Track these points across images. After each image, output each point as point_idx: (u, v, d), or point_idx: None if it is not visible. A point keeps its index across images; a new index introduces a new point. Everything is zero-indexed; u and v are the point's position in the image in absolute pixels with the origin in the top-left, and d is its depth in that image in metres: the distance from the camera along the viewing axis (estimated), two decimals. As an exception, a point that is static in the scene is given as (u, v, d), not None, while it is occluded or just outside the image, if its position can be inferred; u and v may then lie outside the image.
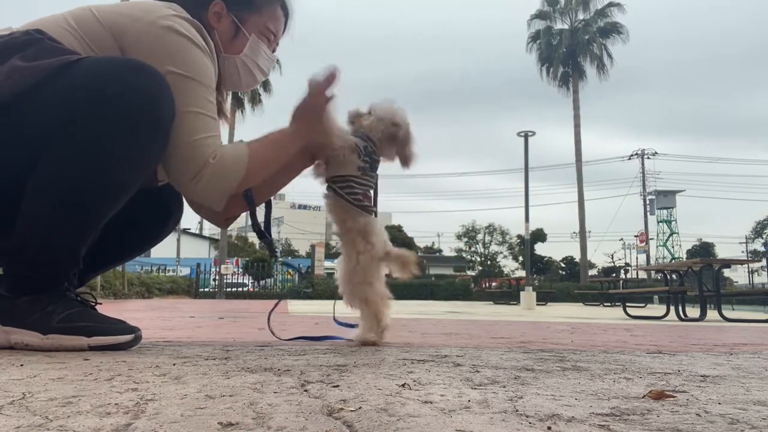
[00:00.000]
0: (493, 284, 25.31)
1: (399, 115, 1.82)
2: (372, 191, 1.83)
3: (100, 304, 1.62)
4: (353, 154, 1.75)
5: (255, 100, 32.81)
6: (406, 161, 1.86)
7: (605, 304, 15.37)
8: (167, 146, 1.50)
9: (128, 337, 1.45)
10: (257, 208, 1.81)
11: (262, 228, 1.82)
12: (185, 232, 41.51)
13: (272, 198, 1.89)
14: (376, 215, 1.84)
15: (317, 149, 1.77)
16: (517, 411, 0.77)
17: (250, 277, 25.19)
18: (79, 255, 1.46)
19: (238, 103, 31.73)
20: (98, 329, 1.42)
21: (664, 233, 45.12)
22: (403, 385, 0.96)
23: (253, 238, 47.41)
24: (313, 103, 1.62)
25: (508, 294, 17.51)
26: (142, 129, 1.42)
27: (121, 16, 1.54)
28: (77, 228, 1.44)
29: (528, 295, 12.66)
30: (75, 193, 1.40)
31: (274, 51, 1.88)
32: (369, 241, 1.76)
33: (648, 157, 43.11)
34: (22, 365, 1.14)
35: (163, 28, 1.50)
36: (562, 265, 44.13)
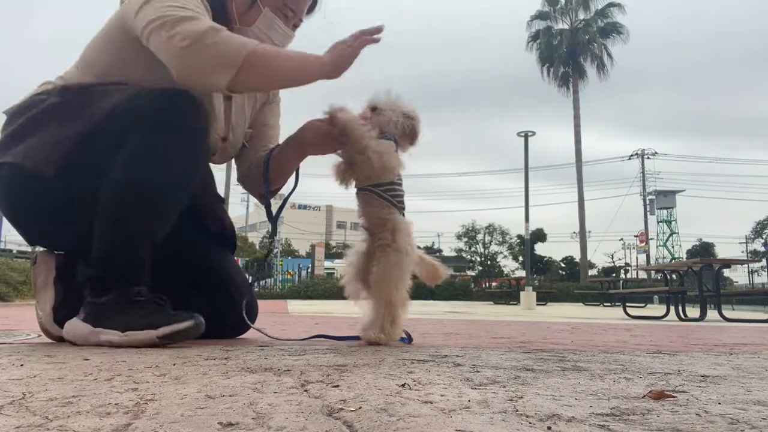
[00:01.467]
0: (493, 284, 25.31)
1: (408, 107, 1.80)
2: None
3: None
4: (395, 156, 1.72)
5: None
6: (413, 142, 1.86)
7: (605, 304, 15.38)
8: (204, 150, 1.67)
9: (189, 323, 1.51)
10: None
11: (275, 210, 1.97)
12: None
13: (294, 182, 2.01)
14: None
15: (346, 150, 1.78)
16: (517, 411, 0.77)
17: (251, 277, 25.16)
18: (145, 255, 1.58)
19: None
20: (164, 321, 1.51)
21: (664, 233, 45.13)
22: (403, 385, 0.96)
23: (253, 238, 47.42)
24: (353, 41, 1.61)
25: (508, 294, 17.52)
26: (178, 142, 1.57)
27: (124, 4, 1.67)
28: (137, 229, 1.57)
29: (528, 295, 12.68)
30: (129, 199, 1.56)
31: (296, 27, 1.91)
32: (412, 243, 1.76)
33: (648, 157, 43.11)
34: (22, 365, 1.14)
35: None
36: (562, 265, 44.12)
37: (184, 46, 1.50)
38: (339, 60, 1.61)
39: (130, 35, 1.63)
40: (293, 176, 2.01)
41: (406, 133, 1.78)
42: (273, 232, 2.04)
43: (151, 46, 1.57)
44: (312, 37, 1.93)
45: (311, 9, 1.93)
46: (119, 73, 1.65)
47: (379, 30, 1.63)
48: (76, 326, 1.58)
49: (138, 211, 1.58)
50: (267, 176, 1.91)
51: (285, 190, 2.07)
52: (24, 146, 1.59)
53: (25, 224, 1.76)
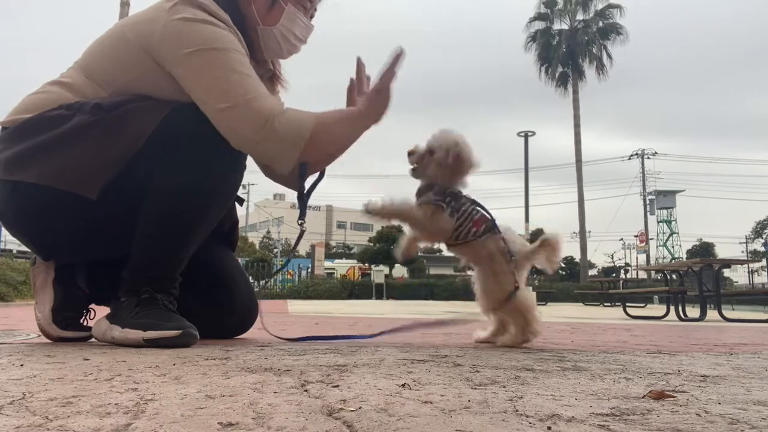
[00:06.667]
0: (493, 284, 25.21)
1: (452, 139, 1.78)
2: (474, 211, 1.80)
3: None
4: (441, 217, 1.75)
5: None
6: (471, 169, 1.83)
7: (605, 304, 15.36)
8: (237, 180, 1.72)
9: (175, 332, 1.53)
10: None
11: (304, 192, 1.90)
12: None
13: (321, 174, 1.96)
14: (494, 227, 1.80)
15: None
16: (517, 411, 0.77)
17: (251, 277, 25.17)
18: (173, 267, 1.64)
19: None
20: (155, 325, 1.53)
21: (664, 233, 45.12)
22: (403, 385, 0.96)
23: (253, 238, 47.37)
24: (385, 84, 1.70)
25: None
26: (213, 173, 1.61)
27: (143, 23, 1.65)
28: (170, 245, 1.62)
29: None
30: (173, 208, 1.59)
31: (312, 17, 1.91)
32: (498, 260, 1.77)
33: (648, 157, 43.19)
34: (22, 365, 1.14)
35: (173, 21, 1.59)
36: (562, 265, 44.13)
37: (259, 140, 1.57)
38: (377, 109, 1.72)
39: (155, 61, 1.61)
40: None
41: (453, 169, 1.78)
42: (301, 214, 1.94)
43: (217, 124, 1.57)
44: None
45: None
46: (139, 90, 1.62)
47: (399, 56, 1.70)
48: (99, 323, 1.64)
49: (180, 221, 1.60)
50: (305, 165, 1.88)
51: (309, 181, 2.04)
52: (52, 165, 1.53)
53: (46, 241, 1.73)
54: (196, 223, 1.64)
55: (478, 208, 1.82)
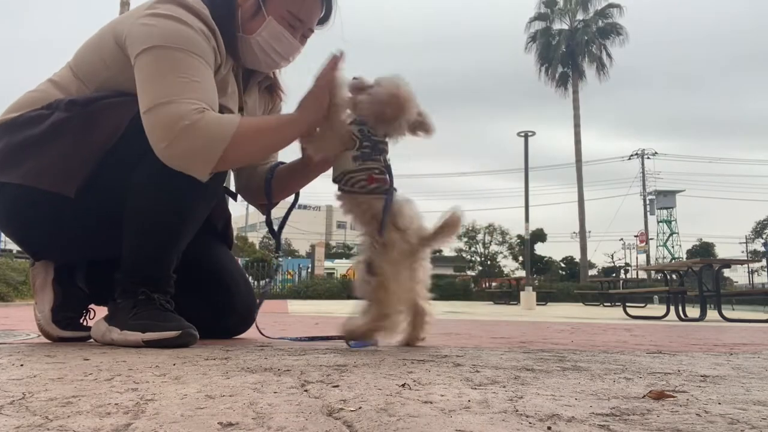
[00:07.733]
0: (493, 284, 25.31)
1: (391, 92, 1.59)
2: (381, 174, 1.62)
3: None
4: (346, 148, 1.60)
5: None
6: (424, 129, 1.68)
7: (605, 304, 15.38)
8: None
9: (174, 333, 1.52)
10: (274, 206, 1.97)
11: (277, 223, 1.95)
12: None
13: (294, 197, 2.03)
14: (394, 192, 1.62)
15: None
16: (517, 411, 0.77)
17: (251, 277, 25.16)
18: (166, 265, 1.61)
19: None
20: (152, 326, 1.52)
21: (664, 233, 45.13)
22: (403, 385, 0.96)
23: (253, 238, 47.35)
24: (318, 89, 1.63)
25: (508, 294, 17.53)
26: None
27: (122, 22, 1.63)
28: (159, 243, 1.59)
29: (528, 295, 12.68)
30: (157, 207, 1.56)
31: (305, 38, 1.84)
32: (398, 227, 1.56)
33: (648, 157, 43.22)
34: (22, 365, 1.14)
35: (145, 16, 1.56)
36: (562, 265, 44.10)
37: (168, 143, 1.46)
38: (310, 115, 1.63)
39: (127, 58, 1.58)
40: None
41: (381, 120, 1.61)
42: (277, 247, 2.04)
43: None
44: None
45: (324, 20, 1.83)
46: (118, 87, 1.60)
47: (337, 60, 1.64)
48: (98, 325, 1.64)
49: (165, 219, 1.57)
50: (270, 193, 1.91)
51: (285, 203, 2.07)
52: (33, 165, 1.53)
53: (34, 241, 1.73)
54: (181, 220, 1.60)
55: (389, 174, 1.63)
